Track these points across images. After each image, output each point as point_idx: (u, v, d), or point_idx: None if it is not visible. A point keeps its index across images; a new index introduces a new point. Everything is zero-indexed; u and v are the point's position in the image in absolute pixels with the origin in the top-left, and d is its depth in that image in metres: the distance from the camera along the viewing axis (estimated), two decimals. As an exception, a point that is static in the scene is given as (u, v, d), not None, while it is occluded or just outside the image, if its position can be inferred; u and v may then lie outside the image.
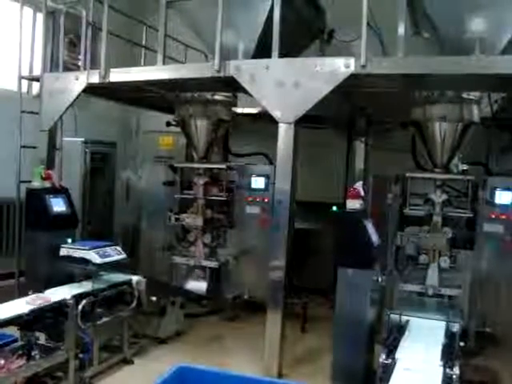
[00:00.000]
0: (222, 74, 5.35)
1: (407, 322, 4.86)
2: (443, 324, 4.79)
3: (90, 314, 4.77)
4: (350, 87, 5.16)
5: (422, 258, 5.91)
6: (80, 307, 4.56)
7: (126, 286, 5.32)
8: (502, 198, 5.87)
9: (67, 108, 6.43)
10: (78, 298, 4.62)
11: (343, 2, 6.68)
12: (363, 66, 4.74)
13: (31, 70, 6.80)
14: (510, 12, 4.86)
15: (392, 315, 4.98)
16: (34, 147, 6.49)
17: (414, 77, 4.96)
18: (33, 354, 4.23)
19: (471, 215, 5.92)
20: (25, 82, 7.20)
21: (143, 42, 7.71)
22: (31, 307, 4.31)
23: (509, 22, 4.89)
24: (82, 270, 5.21)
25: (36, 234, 5.66)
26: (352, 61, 4.82)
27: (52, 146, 6.61)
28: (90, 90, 6.38)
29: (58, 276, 5.23)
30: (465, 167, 6.23)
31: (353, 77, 4.85)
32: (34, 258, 5.71)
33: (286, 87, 5.08)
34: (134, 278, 5.39)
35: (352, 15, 4.99)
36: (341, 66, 4.88)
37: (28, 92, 7.95)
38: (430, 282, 5.82)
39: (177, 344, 6.03)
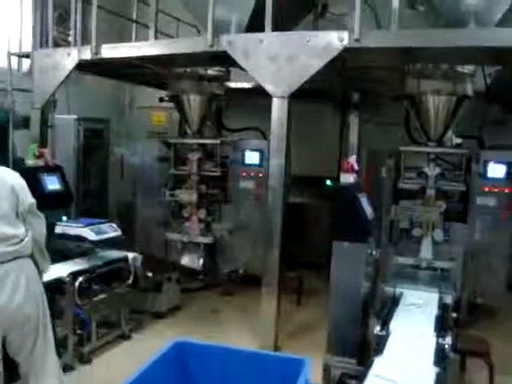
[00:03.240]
0: (214, 49, 5.30)
1: (401, 294, 4.92)
2: (436, 296, 4.86)
3: (87, 291, 4.80)
4: (343, 61, 5.14)
5: (416, 231, 5.96)
6: (77, 284, 4.60)
7: (122, 263, 5.35)
8: (495, 171, 5.91)
9: (59, 85, 6.38)
10: (74, 275, 4.65)
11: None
12: (357, 40, 4.70)
13: (21, 47, 6.70)
14: (505, -16, 4.83)
15: (386, 288, 5.04)
16: (27, 126, 6.45)
17: (408, 50, 4.93)
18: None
19: (464, 188, 5.96)
20: (15, 59, 7.10)
21: (134, 17, 7.60)
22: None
23: (503, -6, 4.86)
24: (77, 247, 5.22)
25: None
26: (346, 34, 4.78)
27: (44, 124, 6.56)
28: (82, 66, 6.32)
29: (54, 254, 5.25)
30: (458, 141, 6.24)
31: (347, 50, 4.83)
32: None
33: (279, 61, 5.05)
34: (130, 255, 5.42)
35: (346, -12, 4.95)
36: (334, 40, 4.84)
37: (18, 69, 7.84)
38: (424, 254, 5.87)
39: (174, 319, 6.10)
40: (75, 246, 5.24)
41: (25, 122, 6.58)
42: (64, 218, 5.50)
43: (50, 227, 5.35)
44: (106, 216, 6.90)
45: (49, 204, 5.65)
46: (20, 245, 3.02)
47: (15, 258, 3.00)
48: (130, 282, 5.36)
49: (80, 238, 5.17)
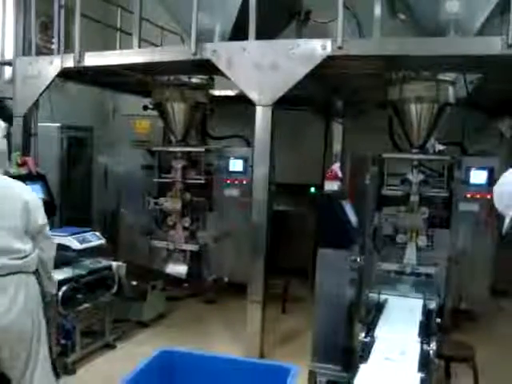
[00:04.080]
0: (198, 57, 5.30)
1: (385, 300, 4.94)
2: (420, 302, 4.88)
3: (71, 300, 4.75)
4: (327, 68, 5.17)
5: (400, 238, 6.00)
6: (60, 294, 4.55)
7: (106, 272, 5.31)
8: (477, 177, 5.97)
9: (42, 93, 6.34)
10: (58, 284, 4.58)
11: (319, -18, 6.66)
12: (340, 48, 4.75)
13: (3, 54, 6.66)
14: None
15: (371, 294, 5.06)
16: (8, 134, 6.38)
17: (390, 58, 4.99)
18: None
19: (447, 195, 6.02)
20: (-3, 67, 7.07)
21: (118, 25, 7.59)
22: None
23: (483, 3, 4.94)
24: (61, 256, 5.16)
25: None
26: (329, 42, 4.82)
27: (27, 132, 6.52)
28: (65, 74, 6.29)
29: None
30: (441, 147, 6.31)
31: (330, 58, 4.87)
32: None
33: (263, 69, 5.07)
34: (114, 263, 5.39)
35: (328, -4, 4.99)
36: (318, 48, 4.89)
37: (0, 77, 7.79)
38: (408, 260, 5.91)
39: (159, 327, 6.07)
40: (59, 255, 5.16)
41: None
42: (47, 227, 5.44)
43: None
44: (90, 225, 6.84)
45: (32, 213, 5.62)
46: (24, 260, 2.95)
47: (16, 273, 2.92)
48: (114, 290, 5.32)
49: (64, 247, 5.12)
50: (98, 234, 5.49)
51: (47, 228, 3.19)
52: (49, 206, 5.92)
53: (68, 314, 4.67)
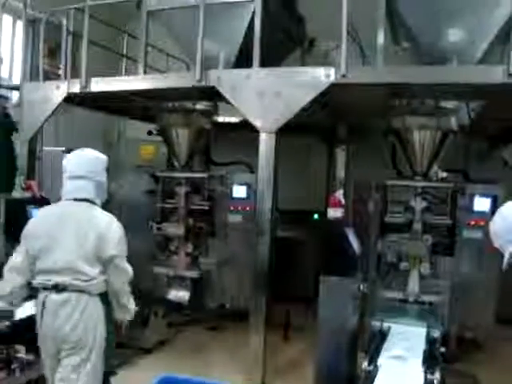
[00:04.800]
0: (203, 84, 5.36)
1: (389, 328, 4.91)
2: (424, 330, 4.84)
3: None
4: (330, 96, 5.22)
5: (403, 265, 5.96)
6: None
7: (108, 297, 5.27)
8: (481, 204, 5.95)
9: (47, 118, 6.40)
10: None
11: (324, 11, 6.75)
12: (343, 76, 4.80)
13: (11, 79, 6.75)
14: (486, 22, 4.98)
15: (374, 322, 5.02)
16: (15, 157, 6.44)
17: (393, 86, 5.03)
18: (12, 367, 4.16)
19: (451, 222, 6.00)
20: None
21: (124, 52, 7.69)
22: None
23: (485, 32, 5.00)
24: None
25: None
26: (332, 70, 4.87)
27: (32, 156, 6.56)
28: (71, 99, 6.36)
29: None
30: (444, 174, 6.31)
31: (333, 86, 4.91)
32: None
33: (267, 96, 5.12)
34: (117, 288, 5.35)
35: (332, 25, 5.05)
36: (321, 76, 4.94)
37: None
38: (411, 288, 5.87)
39: (160, 354, 6.01)
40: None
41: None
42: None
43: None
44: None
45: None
46: (88, 283, 3.07)
47: (77, 292, 3.06)
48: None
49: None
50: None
51: (119, 259, 3.24)
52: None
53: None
